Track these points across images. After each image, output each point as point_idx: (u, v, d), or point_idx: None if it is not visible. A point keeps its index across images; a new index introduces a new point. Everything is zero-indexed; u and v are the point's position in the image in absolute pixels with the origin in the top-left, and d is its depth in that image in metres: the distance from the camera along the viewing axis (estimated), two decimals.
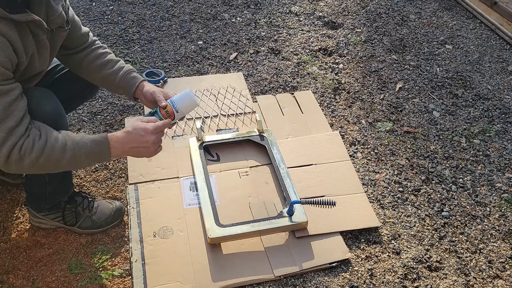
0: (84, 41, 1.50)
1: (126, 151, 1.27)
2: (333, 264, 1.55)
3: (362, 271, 1.56)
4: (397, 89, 2.40)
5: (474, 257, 1.62)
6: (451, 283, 1.54)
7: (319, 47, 2.68)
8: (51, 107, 1.31)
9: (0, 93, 1.11)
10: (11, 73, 1.15)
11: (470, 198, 1.84)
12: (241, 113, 2.13)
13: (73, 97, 1.65)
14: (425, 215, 1.76)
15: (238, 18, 2.93)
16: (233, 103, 2.18)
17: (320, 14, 3.00)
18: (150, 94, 1.42)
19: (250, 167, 1.86)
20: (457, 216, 1.77)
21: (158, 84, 2.23)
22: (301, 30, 2.83)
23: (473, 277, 1.56)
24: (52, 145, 1.18)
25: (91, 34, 1.54)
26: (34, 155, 1.15)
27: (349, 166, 1.91)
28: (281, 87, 2.37)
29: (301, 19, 2.95)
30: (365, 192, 1.80)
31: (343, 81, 2.43)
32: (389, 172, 1.93)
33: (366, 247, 1.63)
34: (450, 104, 2.32)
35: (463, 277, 1.56)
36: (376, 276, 1.55)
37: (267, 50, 2.65)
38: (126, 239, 1.61)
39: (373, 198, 1.82)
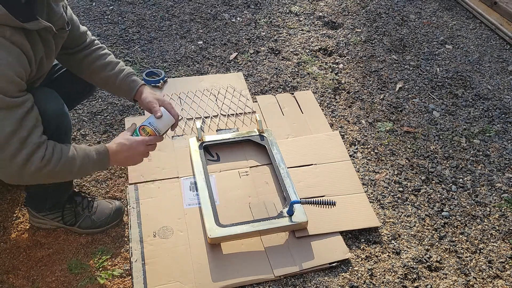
0: (83, 41, 1.50)
1: (119, 160, 1.36)
2: (333, 264, 1.55)
3: (362, 271, 1.56)
4: (397, 89, 2.40)
5: (474, 257, 1.62)
6: (451, 283, 1.54)
7: (319, 47, 2.68)
8: (55, 106, 1.32)
9: (15, 104, 1.12)
10: (25, 84, 1.16)
11: (470, 198, 1.84)
12: (241, 113, 2.13)
13: (72, 96, 1.65)
14: (425, 215, 1.76)
15: (238, 18, 2.93)
16: (233, 103, 2.18)
17: (320, 14, 3.00)
18: (146, 103, 1.46)
19: (250, 167, 1.86)
20: (457, 216, 1.77)
21: (158, 84, 2.23)
22: (301, 30, 2.83)
23: (473, 277, 1.56)
24: (66, 155, 1.22)
25: (89, 33, 1.54)
26: (52, 165, 1.19)
27: (349, 166, 1.91)
28: (281, 87, 2.37)
29: (301, 19, 2.95)
30: (365, 192, 1.80)
31: (343, 81, 2.43)
32: (389, 172, 1.93)
33: (366, 247, 1.63)
34: (450, 104, 2.32)
35: (463, 277, 1.56)
36: (376, 276, 1.55)
37: (267, 50, 2.65)
38: (126, 239, 1.61)
39: (373, 198, 1.82)
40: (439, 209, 1.79)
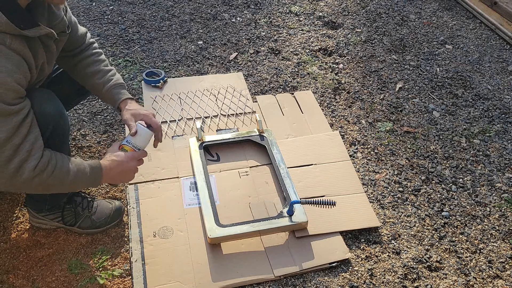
0: (81, 43, 1.50)
1: (112, 177, 1.35)
2: (333, 264, 1.55)
3: (362, 271, 1.56)
4: (397, 89, 2.40)
5: (474, 257, 1.62)
6: (451, 283, 1.54)
7: (319, 47, 2.68)
8: (53, 108, 1.31)
9: (13, 112, 1.12)
10: (24, 91, 1.16)
11: (470, 198, 1.84)
12: (241, 113, 2.13)
13: (70, 96, 1.65)
14: (425, 215, 1.76)
15: (238, 18, 2.93)
16: (233, 103, 2.18)
17: (320, 14, 3.00)
18: (123, 121, 1.44)
19: (250, 167, 1.86)
20: (457, 216, 1.77)
21: (158, 84, 2.23)
22: (301, 30, 2.83)
23: (473, 277, 1.56)
24: (60, 168, 1.22)
25: (88, 35, 1.54)
26: (45, 176, 1.18)
27: (349, 166, 1.91)
28: (281, 87, 2.36)
29: (301, 19, 2.95)
30: (365, 192, 1.80)
31: (343, 81, 2.43)
32: (389, 172, 1.93)
33: (366, 247, 1.63)
34: (450, 104, 2.32)
35: (463, 277, 1.56)
36: (376, 276, 1.54)
37: (267, 50, 2.65)
38: (126, 239, 1.61)
39: (373, 198, 1.82)
40: (439, 209, 1.78)
